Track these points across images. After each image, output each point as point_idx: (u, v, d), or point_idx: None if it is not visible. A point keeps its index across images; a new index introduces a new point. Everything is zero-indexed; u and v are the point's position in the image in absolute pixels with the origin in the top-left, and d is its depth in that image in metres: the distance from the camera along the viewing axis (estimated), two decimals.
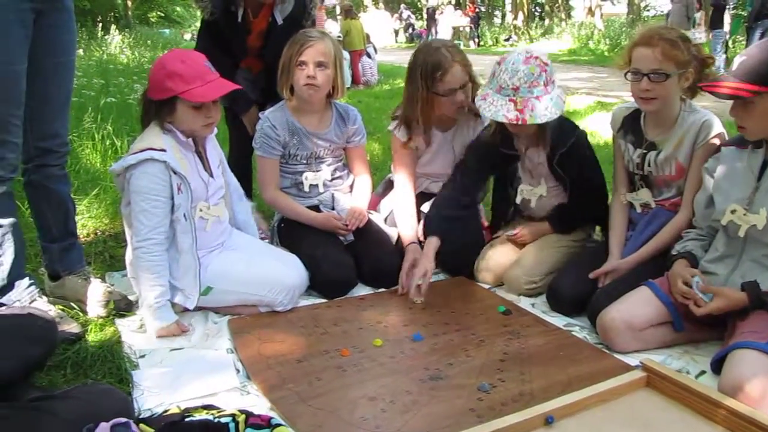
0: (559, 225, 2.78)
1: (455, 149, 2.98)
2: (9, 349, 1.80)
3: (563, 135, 2.62)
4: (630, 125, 2.58)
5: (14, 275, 2.30)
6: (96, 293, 2.48)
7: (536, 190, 2.78)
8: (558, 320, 2.45)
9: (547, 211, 2.81)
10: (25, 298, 2.31)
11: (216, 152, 2.60)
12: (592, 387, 1.85)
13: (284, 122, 2.86)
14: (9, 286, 2.30)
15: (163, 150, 2.27)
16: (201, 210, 2.41)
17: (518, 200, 2.83)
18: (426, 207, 2.87)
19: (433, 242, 2.67)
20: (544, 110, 2.43)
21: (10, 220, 2.27)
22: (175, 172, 2.27)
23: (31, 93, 2.24)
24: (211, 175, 2.50)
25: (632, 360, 2.12)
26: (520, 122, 2.43)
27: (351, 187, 3.06)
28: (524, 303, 2.61)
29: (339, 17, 16.47)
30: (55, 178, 2.46)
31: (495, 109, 2.47)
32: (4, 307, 2.31)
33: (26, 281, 2.34)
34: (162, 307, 2.29)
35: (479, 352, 2.19)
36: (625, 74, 2.38)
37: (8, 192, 2.27)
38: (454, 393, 1.94)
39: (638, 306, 2.21)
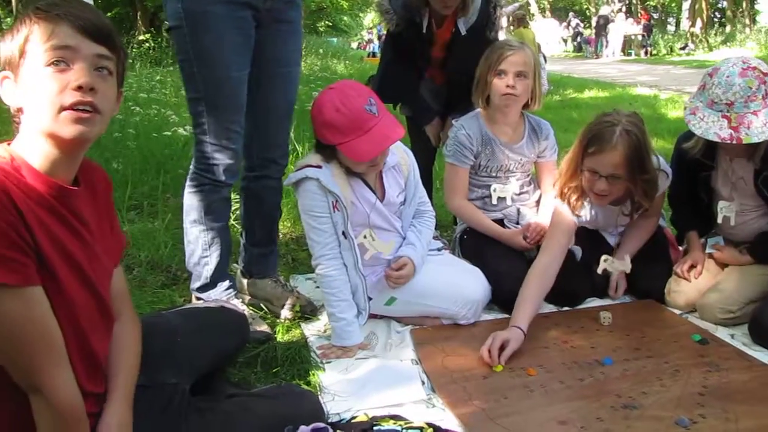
0: (762, 256, 2.55)
1: (618, 221, 2.77)
2: (205, 341, 1.87)
3: None
4: None
5: (217, 276, 2.43)
6: (283, 297, 2.57)
7: (733, 206, 2.57)
8: (762, 355, 2.25)
9: (749, 237, 2.60)
10: (223, 298, 2.42)
11: (397, 175, 2.46)
12: None
13: (478, 131, 2.83)
14: (211, 285, 2.43)
15: (318, 167, 2.24)
16: (365, 237, 2.36)
17: (720, 219, 2.62)
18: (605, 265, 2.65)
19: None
20: (762, 127, 2.22)
21: (221, 223, 2.40)
22: (329, 191, 2.24)
23: (254, 103, 2.33)
24: (381, 199, 2.40)
25: None
26: (734, 141, 2.24)
27: (537, 202, 2.99)
28: (721, 333, 2.42)
29: (506, 27, 16.30)
30: (271, 189, 2.55)
31: (706, 126, 2.29)
32: (200, 302, 2.45)
33: (227, 283, 2.46)
34: (346, 326, 2.28)
35: (675, 383, 2.05)
36: None
37: (226, 197, 2.39)
38: (650, 425, 1.83)
39: None
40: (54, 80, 1.25)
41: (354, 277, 2.34)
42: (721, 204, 2.61)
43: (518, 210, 2.92)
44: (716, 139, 2.28)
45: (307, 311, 2.55)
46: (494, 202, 2.89)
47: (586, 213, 2.69)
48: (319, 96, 2.19)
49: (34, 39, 1.26)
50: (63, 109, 1.25)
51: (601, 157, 2.40)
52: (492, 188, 2.87)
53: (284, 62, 2.38)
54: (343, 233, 2.28)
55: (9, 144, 1.31)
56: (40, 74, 1.25)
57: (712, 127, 2.28)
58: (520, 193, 2.94)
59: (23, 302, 1.19)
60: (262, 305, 2.60)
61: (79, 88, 1.26)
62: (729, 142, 2.25)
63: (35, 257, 1.21)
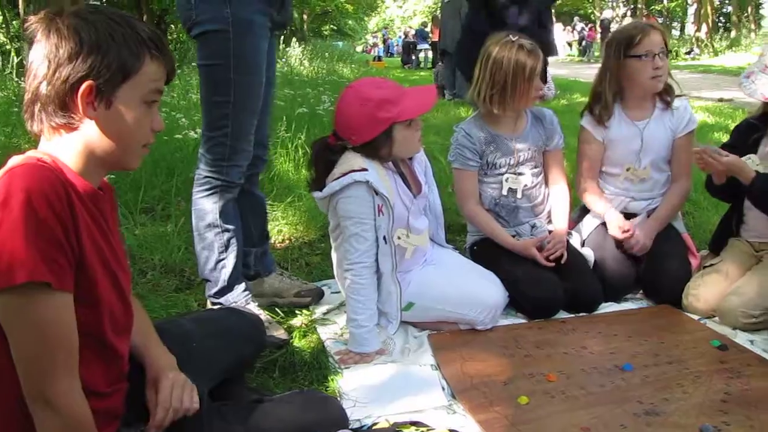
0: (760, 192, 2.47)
1: (644, 140, 2.82)
2: (221, 346, 1.86)
3: None
4: None
5: (234, 279, 2.43)
6: (292, 287, 2.68)
7: (757, 160, 2.55)
8: None
9: None
10: (240, 301, 2.42)
11: (422, 164, 2.56)
12: None
13: (478, 131, 2.78)
14: (228, 288, 2.42)
15: (364, 169, 2.22)
16: (399, 237, 2.35)
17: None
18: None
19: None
20: None
21: (235, 225, 2.40)
22: (377, 193, 2.22)
23: None
24: (416, 195, 2.44)
25: None
26: None
27: (545, 198, 2.91)
28: (741, 338, 2.40)
29: None
30: (256, 184, 2.63)
31: (754, 87, 2.47)
32: (215, 307, 2.45)
33: (243, 285, 2.46)
34: (366, 333, 2.26)
35: (697, 389, 2.03)
36: None
37: (236, 198, 2.41)
38: None
39: None
40: (146, 118, 1.35)
41: (390, 284, 2.33)
42: (748, 155, 2.59)
43: (532, 225, 2.85)
44: (761, 99, 2.52)
45: (316, 300, 2.69)
46: (504, 192, 2.80)
47: (608, 134, 2.87)
48: (349, 93, 2.27)
49: (145, 73, 1.31)
50: (143, 147, 1.38)
51: (649, 39, 2.70)
52: (504, 177, 2.79)
53: (271, 64, 2.46)
54: (384, 238, 2.27)
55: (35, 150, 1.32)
56: (137, 109, 1.33)
57: (759, 89, 2.49)
58: (531, 187, 2.83)
59: (57, 305, 1.21)
60: (276, 301, 2.66)
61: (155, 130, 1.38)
62: None
63: (75, 263, 1.23)
